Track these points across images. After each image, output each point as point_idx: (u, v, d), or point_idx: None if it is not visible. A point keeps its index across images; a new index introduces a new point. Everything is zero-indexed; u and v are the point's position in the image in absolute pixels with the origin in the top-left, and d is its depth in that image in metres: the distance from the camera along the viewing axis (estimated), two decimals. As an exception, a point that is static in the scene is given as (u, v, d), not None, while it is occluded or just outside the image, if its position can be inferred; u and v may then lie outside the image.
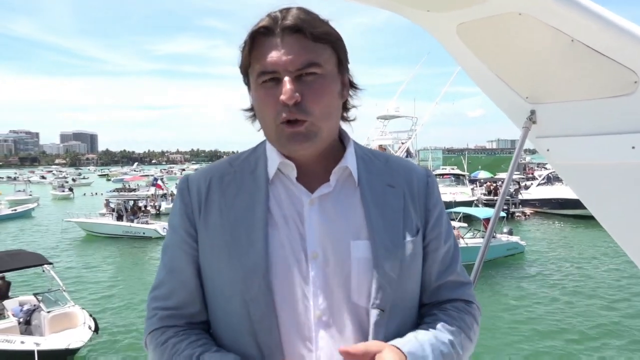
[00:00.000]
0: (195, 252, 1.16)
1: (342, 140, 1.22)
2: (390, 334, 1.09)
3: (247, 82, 1.14)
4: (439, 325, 1.14)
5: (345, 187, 1.17)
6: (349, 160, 1.17)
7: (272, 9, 1.08)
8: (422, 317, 1.21)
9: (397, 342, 1.06)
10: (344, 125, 1.22)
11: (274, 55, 1.03)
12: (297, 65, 1.03)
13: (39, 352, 11.08)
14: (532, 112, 1.98)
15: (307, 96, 1.04)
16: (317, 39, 1.05)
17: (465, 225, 24.33)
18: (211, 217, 1.14)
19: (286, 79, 1.03)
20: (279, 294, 1.07)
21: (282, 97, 1.02)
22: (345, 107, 1.18)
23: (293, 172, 1.15)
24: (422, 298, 1.22)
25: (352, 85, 1.18)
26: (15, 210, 41.42)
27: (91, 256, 25.58)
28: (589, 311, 15.52)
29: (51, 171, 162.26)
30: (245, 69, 1.12)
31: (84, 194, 67.80)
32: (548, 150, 2.02)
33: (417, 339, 1.08)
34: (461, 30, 1.83)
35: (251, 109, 1.17)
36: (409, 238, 1.14)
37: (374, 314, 1.09)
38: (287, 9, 1.06)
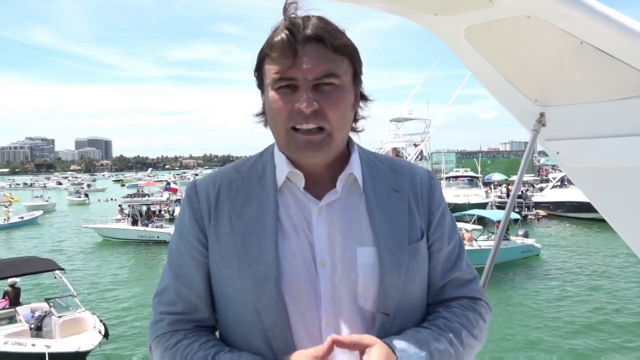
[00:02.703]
0: (205, 259, 1.17)
1: (347, 146, 1.23)
2: (395, 335, 1.10)
3: (260, 86, 1.15)
4: (439, 322, 1.15)
5: (351, 193, 1.18)
6: (354, 166, 1.19)
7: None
8: (427, 316, 1.22)
9: (392, 338, 1.08)
10: (352, 135, 1.23)
11: (294, 63, 1.04)
12: (316, 75, 1.04)
13: (50, 354, 11.19)
14: (542, 115, 1.98)
15: (324, 105, 1.05)
16: (337, 50, 1.06)
17: (480, 227, 24.19)
18: (221, 226, 1.15)
19: (304, 88, 1.04)
20: (290, 302, 1.09)
21: (301, 105, 1.03)
22: (355, 118, 1.20)
23: (301, 181, 1.16)
24: (428, 298, 1.24)
25: (363, 97, 1.20)
26: (22, 218, 41.77)
27: (107, 261, 25.78)
28: (608, 315, 15.32)
29: (67, 177, 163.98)
30: (260, 73, 1.13)
31: (99, 200, 68.45)
32: (558, 153, 2.01)
33: (414, 337, 1.09)
34: (469, 33, 1.83)
35: (262, 114, 1.18)
36: (414, 242, 1.16)
37: (378, 317, 1.11)
38: (308, 17, 1.06)
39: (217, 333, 1.23)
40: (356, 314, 1.12)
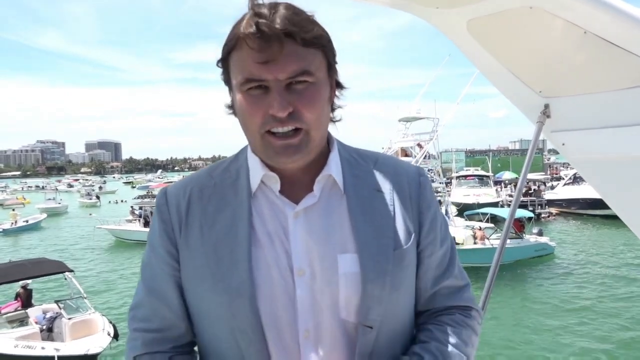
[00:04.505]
0: (177, 272, 1.10)
1: (328, 142, 1.15)
2: (380, 349, 1.06)
3: (227, 82, 1.06)
4: (432, 347, 1.08)
5: (331, 196, 1.10)
6: (333, 166, 1.10)
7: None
8: (417, 329, 1.16)
9: None
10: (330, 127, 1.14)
11: (262, 63, 0.94)
12: (288, 74, 0.95)
13: (59, 357, 11.24)
14: (546, 106, 1.96)
15: (299, 105, 0.97)
16: (309, 44, 0.97)
17: (492, 225, 24.08)
18: (192, 237, 1.08)
19: (276, 90, 0.95)
20: (265, 317, 1.03)
21: (274, 110, 0.95)
22: (332, 108, 1.10)
23: (276, 184, 1.08)
24: (418, 305, 1.17)
25: (338, 86, 1.10)
26: (27, 221, 41.41)
27: (119, 262, 25.95)
28: (623, 314, 15.15)
29: (78, 179, 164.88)
30: (226, 69, 1.03)
31: (109, 202, 68.86)
32: (563, 144, 1.99)
33: None
34: (472, 26, 1.81)
35: (232, 106, 1.08)
36: (400, 247, 1.08)
37: (362, 331, 1.04)
38: (275, 7, 0.95)
39: (196, 348, 1.19)
40: (338, 326, 1.05)
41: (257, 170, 1.09)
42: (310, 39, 0.97)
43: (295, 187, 1.10)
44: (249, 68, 0.96)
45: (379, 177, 1.14)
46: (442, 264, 1.16)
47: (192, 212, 1.10)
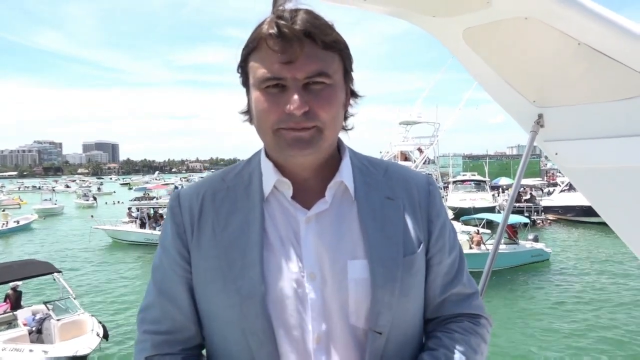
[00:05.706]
0: (188, 274, 1.11)
1: (339, 149, 1.17)
2: (389, 356, 1.07)
3: (245, 84, 1.08)
4: (440, 354, 1.09)
5: (342, 202, 1.11)
6: (344, 173, 1.12)
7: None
8: (426, 337, 1.17)
9: None
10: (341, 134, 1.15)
11: (282, 62, 0.97)
12: (306, 74, 0.98)
13: (48, 359, 11.15)
14: (540, 116, 1.98)
15: (315, 105, 0.99)
16: (328, 46, 1.00)
17: (488, 231, 24.11)
18: (204, 239, 1.09)
19: (294, 88, 0.97)
20: (277, 320, 1.04)
21: (290, 107, 0.97)
22: (344, 116, 1.12)
23: (289, 190, 1.10)
24: (427, 313, 1.18)
25: (353, 94, 1.13)
26: (18, 222, 40.78)
27: (115, 263, 25.91)
28: (618, 321, 15.17)
29: (74, 180, 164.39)
30: (245, 70, 1.06)
31: (106, 203, 68.70)
32: (556, 154, 2.01)
33: None
34: (467, 35, 1.83)
35: (247, 112, 1.10)
36: (409, 254, 1.09)
37: (371, 337, 1.05)
38: (295, 11, 0.98)
39: (204, 352, 1.19)
40: (348, 331, 1.06)
41: (270, 176, 1.11)
42: (329, 42, 1.00)
43: (307, 193, 1.11)
44: (269, 67, 0.98)
45: (390, 185, 1.16)
46: (451, 272, 1.18)
47: (204, 215, 1.11)
